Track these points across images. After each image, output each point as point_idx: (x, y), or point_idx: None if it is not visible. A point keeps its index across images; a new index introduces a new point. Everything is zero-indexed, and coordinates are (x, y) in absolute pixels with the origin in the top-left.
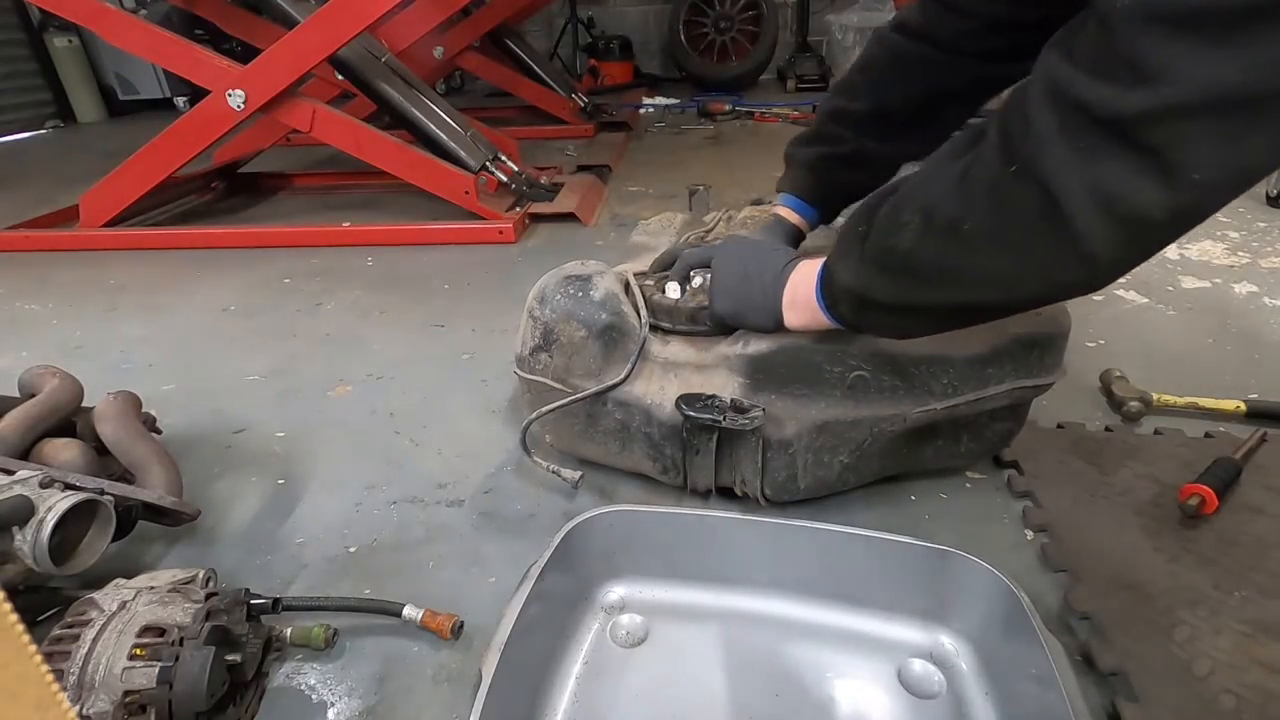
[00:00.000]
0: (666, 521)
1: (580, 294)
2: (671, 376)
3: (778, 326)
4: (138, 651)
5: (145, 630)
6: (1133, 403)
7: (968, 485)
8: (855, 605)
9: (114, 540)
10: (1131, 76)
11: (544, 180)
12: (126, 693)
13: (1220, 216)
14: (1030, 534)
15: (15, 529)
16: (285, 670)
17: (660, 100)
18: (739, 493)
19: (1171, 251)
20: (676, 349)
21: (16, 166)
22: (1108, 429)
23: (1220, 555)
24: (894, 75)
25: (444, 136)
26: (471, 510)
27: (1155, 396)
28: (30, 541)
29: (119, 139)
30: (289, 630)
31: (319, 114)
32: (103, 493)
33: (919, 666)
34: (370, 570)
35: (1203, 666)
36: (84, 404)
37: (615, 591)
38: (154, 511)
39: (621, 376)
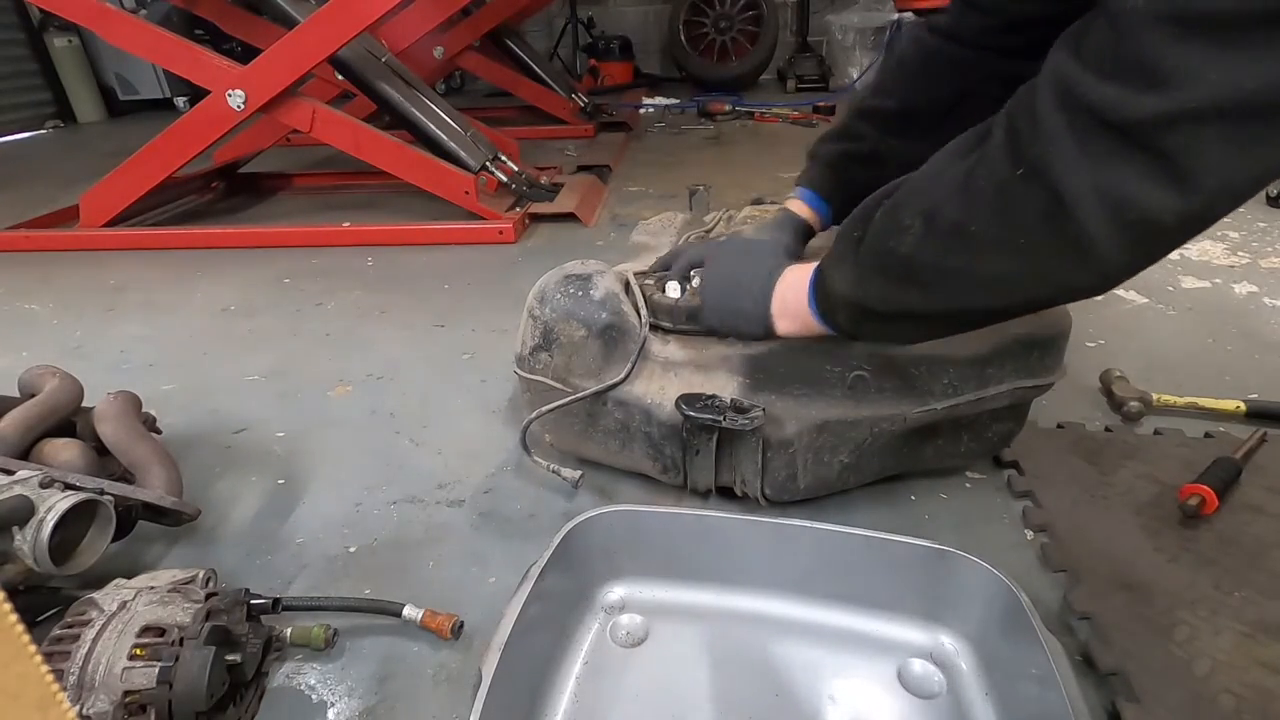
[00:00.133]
0: (666, 521)
1: (580, 293)
2: (671, 376)
3: (768, 335)
4: (138, 651)
5: (145, 630)
6: (1133, 403)
7: (968, 485)
8: (855, 605)
9: (114, 540)
10: (1143, 79)
11: (544, 180)
12: (126, 693)
13: None
14: (1030, 534)
15: (15, 529)
16: (285, 670)
17: (660, 100)
18: (739, 492)
19: (1172, 252)
20: (676, 348)
21: (16, 166)
22: (1108, 429)
23: (1220, 555)
24: (923, 74)
25: (444, 136)
26: (471, 510)
27: (1155, 396)
28: (30, 541)
29: (119, 139)
30: (289, 630)
31: (319, 114)
32: (103, 493)
33: (919, 666)
34: (370, 570)
35: (1203, 666)
36: (84, 404)
37: (615, 591)
38: (154, 511)
39: (621, 376)
